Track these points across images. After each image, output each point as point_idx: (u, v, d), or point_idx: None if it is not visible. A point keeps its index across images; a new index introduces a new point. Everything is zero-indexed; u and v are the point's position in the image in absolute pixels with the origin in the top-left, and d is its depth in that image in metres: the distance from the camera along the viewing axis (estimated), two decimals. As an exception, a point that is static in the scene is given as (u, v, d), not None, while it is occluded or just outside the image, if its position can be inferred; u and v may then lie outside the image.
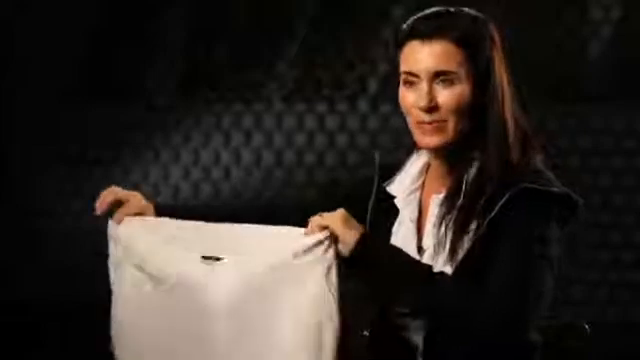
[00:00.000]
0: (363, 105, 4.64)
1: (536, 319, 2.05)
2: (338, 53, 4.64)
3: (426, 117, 2.15)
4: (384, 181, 2.30)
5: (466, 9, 2.20)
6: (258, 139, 4.73)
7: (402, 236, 2.23)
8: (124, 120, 4.81)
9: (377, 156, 2.35)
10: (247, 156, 4.74)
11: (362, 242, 2.09)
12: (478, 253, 2.09)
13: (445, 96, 2.14)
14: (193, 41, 4.77)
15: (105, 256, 2.25)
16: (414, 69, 2.15)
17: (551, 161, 2.21)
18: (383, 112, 4.60)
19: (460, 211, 2.13)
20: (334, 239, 2.10)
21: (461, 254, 2.11)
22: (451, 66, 2.14)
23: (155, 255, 2.21)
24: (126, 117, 4.81)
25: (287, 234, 2.15)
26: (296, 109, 4.71)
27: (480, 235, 2.10)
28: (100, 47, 4.82)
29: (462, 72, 2.14)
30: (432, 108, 2.14)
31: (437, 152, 2.21)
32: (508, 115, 2.18)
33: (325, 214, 2.12)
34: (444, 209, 2.17)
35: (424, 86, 2.14)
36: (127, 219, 2.23)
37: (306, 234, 2.12)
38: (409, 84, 2.17)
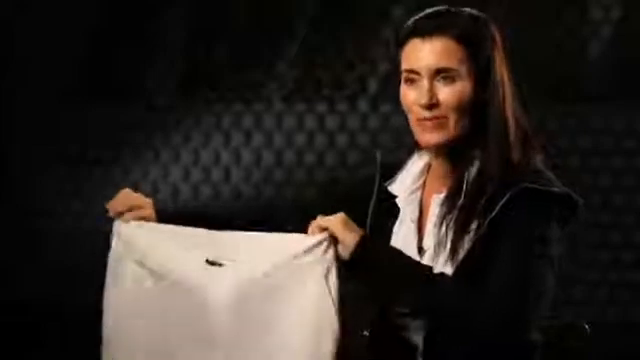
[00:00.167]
0: (363, 105, 4.64)
1: (537, 319, 2.05)
2: (338, 53, 4.64)
3: (427, 114, 2.15)
4: (385, 181, 2.30)
5: (467, 9, 2.21)
6: (258, 139, 4.73)
7: (403, 236, 2.24)
8: (124, 120, 4.81)
9: (378, 155, 2.35)
10: (247, 156, 4.74)
11: (362, 245, 2.10)
12: (479, 253, 2.09)
13: (446, 93, 2.15)
14: (193, 41, 4.77)
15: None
16: (415, 66, 2.16)
17: (551, 161, 2.21)
18: (383, 112, 4.60)
19: (461, 211, 2.14)
20: (334, 241, 2.11)
21: (462, 254, 2.11)
22: (452, 63, 2.14)
23: (156, 250, 2.22)
24: (126, 117, 4.81)
25: (287, 238, 2.15)
26: (296, 109, 4.71)
27: (481, 235, 2.10)
28: (100, 47, 4.82)
29: (463, 69, 2.15)
30: (433, 105, 2.15)
31: (438, 151, 2.22)
32: (509, 114, 2.18)
33: (325, 217, 2.12)
34: (445, 209, 2.17)
35: (425, 83, 2.15)
36: (133, 222, 2.26)
37: (306, 236, 2.13)
38: (410, 82, 2.18)
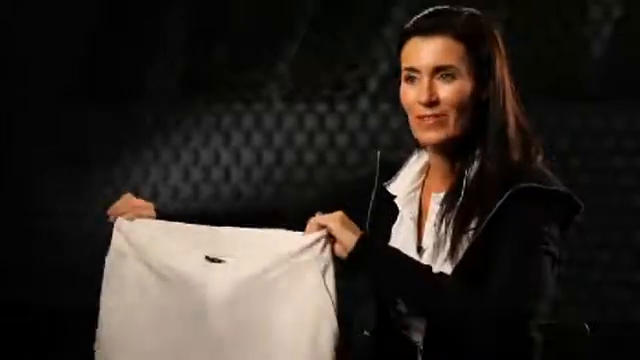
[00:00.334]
0: (363, 105, 4.64)
1: (537, 318, 2.05)
2: (338, 53, 4.64)
3: (427, 111, 2.16)
4: (385, 180, 2.30)
5: (467, 8, 2.22)
6: (258, 139, 4.73)
7: (402, 235, 2.24)
8: (124, 120, 4.81)
9: (378, 155, 2.35)
10: (247, 156, 4.74)
11: (360, 243, 2.10)
12: (478, 252, 2.09)
13: (446, 91, 2.15)
14: (193, 41, 4.77)
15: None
16: (415, 65, 2.17)
17: (550, 161, 2.21)
18: (383, 112, 4.59)
19: (460, 210, 2.14)
20: (331, 239, 2.11)
21: (461, 253, 2.11)
22: (451, 61, 2.15)
23: (156, 246, 2.23)
24: (126, 117, 4.81)
25: (285, 236, 2.16)
26: (296, 109, 4.71)
27: (480, 234, 2.10)
28: (100, 47, 4.82)
29: (463, 68, 2.15)
30: (433, 103, 2.16)
31: (438, 149, 2.22)
32: (509, 113, 2.19)
33: (323, 215, 2.12)
34: (444, 208, 2.17)
35: (425, 81, 2.16)
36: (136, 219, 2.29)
37: (304, 234, 2.13)
38: (410, 80, 2.19)
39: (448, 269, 2.11)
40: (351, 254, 2.09)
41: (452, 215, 2.15)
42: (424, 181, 2.29)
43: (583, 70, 4.47)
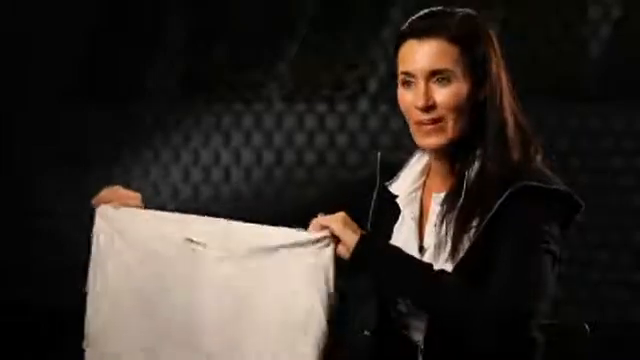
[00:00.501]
0: (363, 105, 4.64)
1: (538, 317, 2.05)
2: (338, 53, 4.64)
3: (425, 116, 2.16)
4: (386, 180, 2.30)
5: (461, 9, 2.21)
6: (258, 139, 4.73)
7: (403, 235, 2.24)
8: (124, 120, 4.81)
9: (378, 156, 2.35)
10: (247, 156, 4.74)
11: (362, 244, 2.10)
12: (479, 251, 2.10)
13: (442, 94, 2.15)
14: (193, 41, 4.77)
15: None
16: (410, 69, 2.17)
17: (550, 160, 2.21)
18: (383, 112, 4.60)
19: (461, 210, 2.14)
20: (334, 240, 2.11)
21: (462, 253, 2.11)
22: (447, 64, 2.15)
23: (140, 231, 2.24)
24: (126, 117, 4.81)
25: (281, 230, 2.16)
26: (296, 109, 4.71)
27: (481, 233, 2.10)
28: (100, 47, 4.82)
29: (458, 70, 2.15)
30: (430, 107, 2.15)
31: (438, 152, 2.22)
32: (507, 113, 2.19)
33: (326, 216, 2.13)
34: (445, 208, 2.17)
35: (421, 85, 2.16)
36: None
37: (305, 231, 2.13)
38: (407, 84, 2.18)
39: (449, 269, 2.12)
40: (353, 254, 2.10)
41: (453, 215, 2.15)
42: (425, 181, 2.29)
43: (582, 70, 4.47)
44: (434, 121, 2.16)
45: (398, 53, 2.20)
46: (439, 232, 2.16)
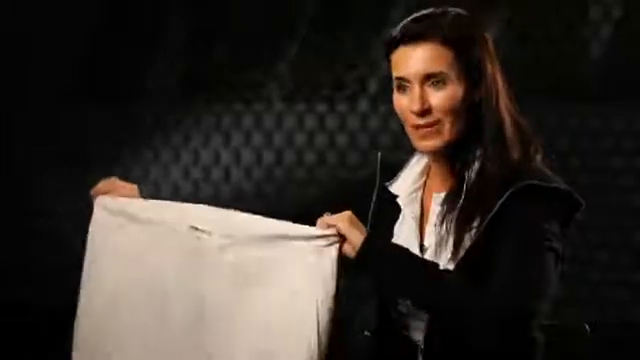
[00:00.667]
0: (363, 105, 4.64)
1: (540, 317, 2.05)
2: (338, 53, 4.64)
3: (421, 120, 2.16)
4: (386, 181, 2.30)
5: (453, 9, 2.21)
6: (258, 139, 4.73)
7: (404, 235, 2.24)
8: (124, 120, 4.81)
9: (379, 156, 2.35)
10: (247, 156, 4.74)
11: (368, 243, 2.10)
12: (480, 251, 2.10)
13: (437, 98, 2.15)
14: (193, 41, 4.77)
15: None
16: (404, 74, 2.17)
17: (550, 160, 2.21)
18: (383, 112, 4.60)
19: (461, 210, 2.14)
20: (341, 239, 2.11)
21: (463, 252, 2.11)
22: (441, 67, 2.15)
23: (139, 218, 2.23)
24: (126, 117, 4.81)
25: (286, 224, 2.15)
26: (296, 109, 4.71)
27: (482, 233, 2.10)
28: (100, 47, 4.82)
29: (452, 72, 2.15)
30: (425, 111, 2.16)
31: (436, 154, 2.22)
32: (504, 113, 2.18)
33: (332, 215, 2.13)
34: (445, 208, 2.17)
35: (416, 90, 2.16)
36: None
37: (311, 227, 2.13)
38: (402, 89, 2.19)
39: (451, 268, 2.12)
40: (359, 253, 2.10)
41: (453, 216, 2.15)
42: (425, 182, 2.29)
43: (582, 70, 4.47)
44: (430, 124, 2.16)
45: (391, 58, 2.20)
46: (439, 232, 2.16)
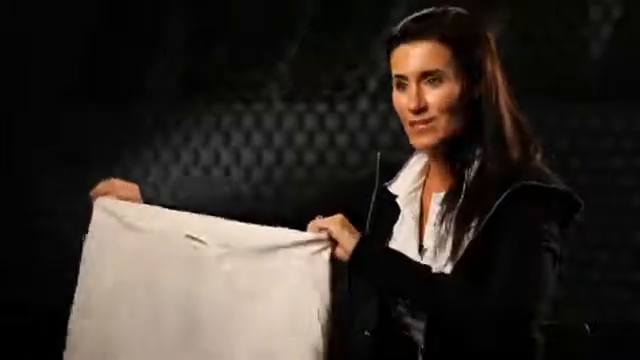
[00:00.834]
0: (363, 105, 4.64)
1: (539, 317, 2.05)
2: (338, 53, 4.64)
3: (416, 117, 2.17)
4: (386, 180, 2.30)
5: (454, 8, 2.21)
6: (258, 139, 4.73)
7: (403, 235, 2.24)
8: (124, 120, 4.81)
9: (378, 156, 2.36)
10: (247, 156, 4.74)
11: (361, 246, 2.10)
12: (479, 251, 2.10)
13: (434, 96, 2.16)
14: (193, 41, 4.77)
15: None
16: (402, 72, 2.18)
17: (550, 160, 2.21)
18: (383, 112, 4.60)
19: (461, 210, 2.14)
20: (332, 243, 2.11)
21: (462, 252, 2.11)
22: (437, 65, 2.15)
23: (138, 222, 2.23)
24: (126, 117, 4.81)
25: (279, 231, 2.16)
26: (296, 109, 4.71)
27: (480, 233, 2.10)
28: (100, 47, 4.82)
29: (450, 70, 2.16)
30: (422, 109, 2.17)
31: (435, 152, 2.22)
32: (504, 112, 2.18)
33: (323, 218, 2.13)
34: (444, 208, 2.17)
35: (413, 88, 2.17)
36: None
37: (303, 232, 2.13)
38: (401, 87, 2.20)
39: (449, 268, 2.12)
40: (352, 256, 2.10)
41: (453, 215, 2.15)
42: (425, 181, 2.29)
43: (583, 70, 4.47)
44: (425, 121, 2.17)
45: (390, 57, 2.21)
46: (439, 232, 2.16)
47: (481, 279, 2.06)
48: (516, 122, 2.20)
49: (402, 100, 2.19)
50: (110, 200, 2.28)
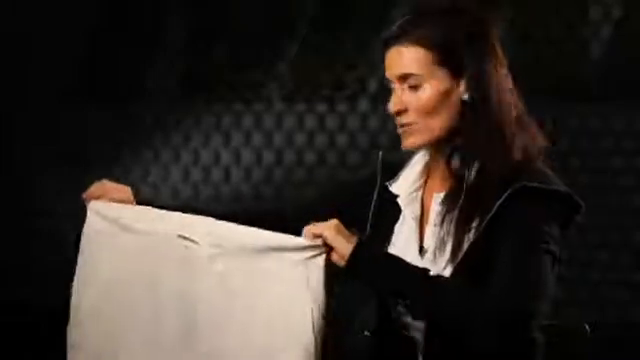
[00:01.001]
0: (363, 105, 4.64)
1: (539, 318, 2.05)
2: (338, 53, 4.64)
3: (399, 120, 2.18)
4: (387, 180, 2.30)
5: (446, 5, 2.19)
6: (258, 139, 4.73)
7: (404, 235, 2.24)
8: (124, 120, 4.81)
9: (380, 155, 2.35)
10: (247, 156, 4.74)
11: (357, 251, 2.10)
12: (479, 252, 2.09)
13: (412, 98, 2.17)
14: (193, 41, 4.77)
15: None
16: (387, 75, 2.20)
17: (550, 160, 2.21)
18: (383, 112, 4.59)
19: (461, 210, 2.14)
20: (327, 248, 2.10)
21: (462, 253, 2.11)
22: (414, 69, 2.16)
23: (131, 225, 2.23)
24: (126, 117, 4.81)
25: (274, 235, 2.15)
26: (296, 109, 4.71)
27: (481, 234, 2.10)
28: (100, 47, 4.82)
29: (430, 73, 2.15)
30: (400, 112, 2.17)
31: (433, 153, 2.22)
32: (505, 112, 2.17)
33: (318, 223, 2.12)
34: (445, 208, 2.17)
35: (395, 91, 2.18)
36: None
37: (299, 238, 2.13)
38: (392, 89, 2.21)
39: (450, 269, 2.12)
40: (349, 262, 2.09)
41: (453, 216, 2.15)
42: (426, 181, 2.29)
43: (583, 70, 4.47)
44: (407, 124, 2.18)
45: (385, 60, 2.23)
46: (439, 232, 2.16)
47: (481, 280, 2.05)
48: (518, 123, 2.18)
49: (390, 102, 2.22)
50: (103, 203, 2.28)
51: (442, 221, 2.16)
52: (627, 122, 4.45)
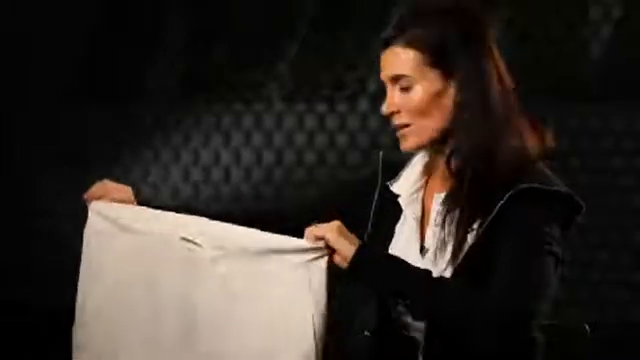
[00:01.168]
0: (363, 105, 4.64)
1: (539, 318, 2.05)
2: (338, 53, 4.64)
3: (393, 122, 2.18)
4: (387, 180, 2.30)
5: (439, 4, 2.17)
6: (258, 139, 4.73)
7: (405, 235, 2.24)
8: (124, 120, 4.81)
9: (380, 155, 2.35)
10: (247, 156, 4.74)
11: (360, 253, 2.09)
12: (480, 253, 2.09)
13: (403, 100, 2.16)
14: (193, 41, 4.77)
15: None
16: (381, 76, 2.20)
17: (550, 161, 2.21)
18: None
19: (462, 211, 2.14)
20: (329, 251, 2.10)
21: (463, 254, 2.11)
22: (404, 70, 2.15)
23: (132, 225, 2.23)
24: (126, 117, 4.81)
25: (275, 237, 2.15)
26: (296, 109, 4.71)
27: (482, 235, 2.10)
28: (100, 47, 4.82)
29: (420, 75, 2.14)
30: (393, 113, 2.17)
31: (433, 152, 2.22)
32: (505, 112, 2.16)
33: (320, 225, 2.12)
34: (446, 208, 2.17)
35: (388, 92, 2.18)
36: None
37: (300, 240, 2.13)
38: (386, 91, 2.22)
39: (450, 270, 2.11)
40: (351, 264, 2.09)
41: (454, 216, 2.15)
42: (427, 181, 2.29)
43: (582, 70, 4.47)
44: (400, 126, 2.18)
45: None
46: (440, 233, 2.16)
47: (482, 281, 2.05)
48: (519, 123, 2.18)
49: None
50: (104, 204, 2.28)
51: (443, 221, 2.15)
52: (627, 122, 4.45)
